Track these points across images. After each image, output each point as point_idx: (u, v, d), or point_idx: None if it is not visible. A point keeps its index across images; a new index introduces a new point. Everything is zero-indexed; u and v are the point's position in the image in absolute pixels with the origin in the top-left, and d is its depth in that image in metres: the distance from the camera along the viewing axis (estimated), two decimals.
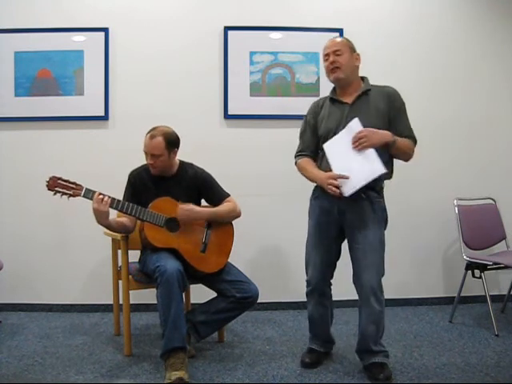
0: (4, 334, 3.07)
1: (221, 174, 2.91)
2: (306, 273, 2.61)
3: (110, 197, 2.54)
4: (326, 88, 3.58)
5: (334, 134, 2.43)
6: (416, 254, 3.74)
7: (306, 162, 2.56)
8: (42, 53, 3.53)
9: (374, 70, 3.63)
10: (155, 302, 2.47)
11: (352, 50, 2.50)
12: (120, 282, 2.87)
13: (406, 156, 2.46)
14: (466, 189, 3.65)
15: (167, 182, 2.76)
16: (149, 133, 2.70)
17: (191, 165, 2.87)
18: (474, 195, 3.58)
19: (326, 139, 2.46)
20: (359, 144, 2.30)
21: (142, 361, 2.66)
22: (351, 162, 2.32)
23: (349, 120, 2.39)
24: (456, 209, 3.41)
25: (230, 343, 2.95)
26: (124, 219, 2.72)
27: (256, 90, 3.64)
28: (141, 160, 2.81)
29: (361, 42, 3.62)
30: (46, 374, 2.48)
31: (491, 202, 3.59)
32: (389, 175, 2.48)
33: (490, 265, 3.11)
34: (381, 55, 3.70)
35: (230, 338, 3.04)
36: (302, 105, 3.58)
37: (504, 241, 3.51)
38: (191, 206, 2.67)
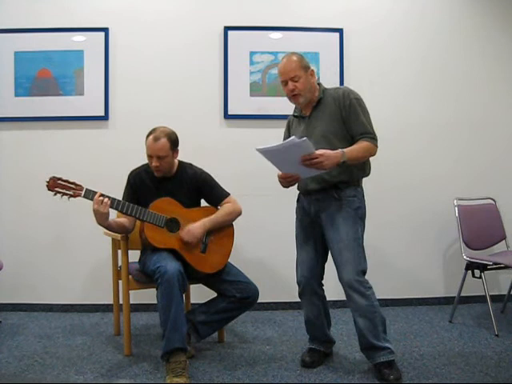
0: (4, 334, 3.07)
1: (220, 174, 2.91)
2: (296, 274, 2.66)
3: (110, 197, 2.54)
4: None
5: None
6: (416, 254, 3.73)
7: None
8: (42, 53, 3.53)
9: (374, 70, 3.67)
10: (155, 301, 2.48)
11: (306, 68, 2.50)
12: (120, 281, 2.87)
13: (366, 158, 2.47)
14: (465, 189, 3.64)
15: (167, 183, 2.76)
16: (150, 135, 2.68)
17: (190, 165, 2.87)
18: (473, 195, 3.58)
19: None
20: (311, 164, 2.27)
21: (141, 361, 2.67)
22: (297, 167, 2.32)
23: (309, 131, 2.46)
24: (456, 209, 3.41)
25: (230, 343, 2.95)
26: (123, 219, 2.72)
27: (256, 90, 3.64)
28: (141, 160, 2.81)
29: (361, 41, 3.68)
30: (45, 374, 2.48)
31: (491, 202, 3.59)
32: (365, 173, 2.53)
33: (489, 265, 3.10)
34: (381, 55, 3.70)
35: (230, 338, 3.04)
36: None
37: (504, 241, 3.50)
38: (192, 230, 2.64)
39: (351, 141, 2.43)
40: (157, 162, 2.67)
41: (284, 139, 2.71)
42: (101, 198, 2.50)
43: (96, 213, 2.52)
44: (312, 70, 2.54)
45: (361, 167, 2.50)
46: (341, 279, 2.44)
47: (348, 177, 2.46)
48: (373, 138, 2.43)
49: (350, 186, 2.48)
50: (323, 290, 2.66)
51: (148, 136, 2.69)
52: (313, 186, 2.50)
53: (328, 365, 2.62)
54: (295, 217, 2.70)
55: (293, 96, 2.52)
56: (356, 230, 2.47)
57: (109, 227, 2.65)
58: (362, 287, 2.41)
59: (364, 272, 2.45)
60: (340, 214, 2.45)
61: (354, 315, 2.46)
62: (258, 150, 2.28)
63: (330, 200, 2.47)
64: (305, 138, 2.21)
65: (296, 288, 2.66)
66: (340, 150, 2.32)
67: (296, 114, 2.65)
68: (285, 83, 2.51)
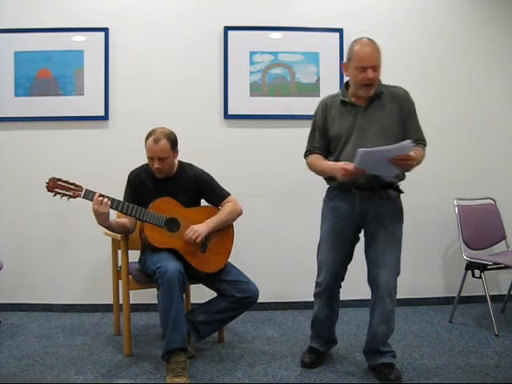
0: (4, 334, 3.07)
1: (221, 174, 2.91)
2: (317, 275, 2.56)
3: (109, 198, 2.54)
4: (326, 88, 3.61)
5: (347, 136, 2.39)
6: (416, 253, 3.73)
7: (317, 158, 2.50)
8: (42, 53, 3.53)
9: None
10: (155, 301, 2.48)
11: (381, 60, 2.42)
12: (120, 281, 2.87)
13: (419, 165, 2.43)
14: (465, 189, 3.64)
15: (167, 183, 2.76)
16: (149, 137, 2.68)
17: (190, 165, 2.87)
18: (473, 195, 3.58)
19: (337, 141, 2.42)
20: (404, 164, 2.24)
21: (142, 361, 2.67)
22: (376, 166, 2.27)
23: (363, 123, 2.37)
24: (456, 209, 3.41)
25: (230, 343, 2.95)
26: (124, 220, 2.72)
27: (256, 89, 3.64)
28: (141, 160, 2.81)
29: None
30: (45, 374, 2.48)
31: (491, 202, 3.59)
32: (404, 176, 2.51)
33: (489, 265, 3.11)
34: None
35: (230, 338, 3.04)
36: (301, 105, 3.62)
37: (504, 241, 3.50)
38: (196, 228, 2.63)
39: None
40: (158, 163, 2.67)
41: (317, 124, 2.52)
42: (100, 198, 2.50)
43: (96, 213, 2.52)
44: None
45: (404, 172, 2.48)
46: (377, 281, 2.39)
47: (398, 177, 2.45)
48: (425, 145, 2.45)
49: (396, 186, 2.47)
50: (339, 292, 2.61)
51: (147, 138, 2.69)
52: (361, 182, 2.38)
53: (328, 365, 2.61)
54: (322, 217, 2.57)
55: (367, 86, 2.36)
56: (401, 232, 2.48)
57: (110, 227, 2.65)
58: (394, 291, 2.42)
59: (398, 275, 2.45)
60: (390, 214, 2.43)
61: (375, 320, 2.42)
62: (361, 151, 2.18)
63: (379, 199, 2.42)
64: (413, 144, 2.21)
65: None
66: (413, 152, 2.27)
67: (346, 100, 2.45)
68: (363, 69, 2.33)
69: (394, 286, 2.41)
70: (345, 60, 2.46)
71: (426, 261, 3.75)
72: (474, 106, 3.77)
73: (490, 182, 3.76)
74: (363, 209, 2.44)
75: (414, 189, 3.71)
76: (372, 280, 2.43)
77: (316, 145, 2.53)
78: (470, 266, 3.21)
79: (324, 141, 2.51)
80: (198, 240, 2.63)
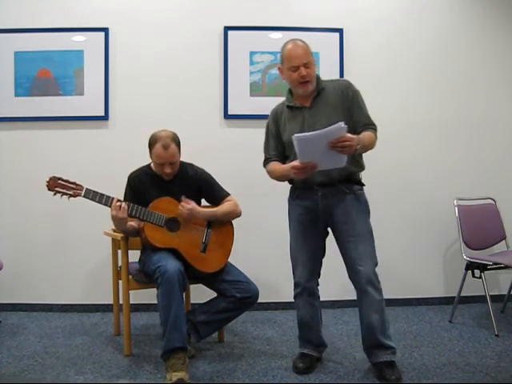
0: (4, 334, 3.07)
1: (220, 174, 2.91)
2: (294, 275, 2.61)
3: (121, 200, 2.56)
4: None
5: None
6: (416, 254, 3.73)
7: (274, 165, 2.55)
8: (42, 53, 3.53)
9: (374, 70, 3.67)
10: (155, 301, 2.48)
11: (312, 55, 2.45)
12: (120, 281, 2.87)
13: (371, 148, 2.42)
14: (465, 189, 3.64)
15: (167, 183, 2.76)
16: (156, 143, 2.65)
17: (191, 165, 2.87)
18: (473, 195, 3.58)
19: (291, 146, 2.37)
20: (340, 147, 2.20)
21: (142, 361, 2.67)
22: (321, 156, 2.25)
23: (310, 122, 2.39)
24: (456, 209, 3.41)
25: (230, 343, 2.95)
26: (132, 222, 2.72)
27: (256, 89, 3.64)
28: (141, 160, 2.81)
29: (361, 41, 3.68)
30: (46, 374, 2.48)
31: (491, 202, 3.59)
32: (362, 167, 2.50)
33: (489, 265, 3.11)
34: (381, 55, 3.70)
35: (230, 338, 3.04)
36: None
37: (504, 241, 3.50)
38: (193, 205, 2.66)
39: (354, 132, 2.37)
40: (169, 168, 2.68)
41: (270, 132, 2.59)
42: (118, 203, 2.52)
43: (115, 218, 2.55)
44: (314, 59, 2.46)
45: (361, 161, 2.49)
46: (357, 274, 2.39)
47: (356, 169, 2.46)
48: (375, 129, 2.43)
49: (357, 179, 2.48)
50: (318, 290, 2.63)
51: (153, 144, 2.67)
52: (321, 179, 2.41)
53: (328, 365, 2.61)
54: (289, 216, 2.64)
55: (303, 83, 2.40)
56: (369, 223, 2.48)
57: (126, 231, 2.68)
58: (377, 281, 2.41)
59: (377, 265, 2.44)
60: (354, 208, 2.44)
61: (365, 312, 2.41)
62: (296, 137, 2.18)
63: (340, 194, 2.43)
64: (346, 126, 2.18)
65: None
66: (355, 135, 2.26)
67: (291, 104, 2.50)
68: (295, 68, 2.38)
69: (374, 275, 2.39)
70: (279, 65, 2.49)
71: (426, 261, 3.75)
72: (474, 106, 3.77)
73: (489, 181, 3.75)
74: (326, 205, 2.45)
75: (414, 189, 3.75)
76: (351, 275, 2.44)
77: (272, 152, 2.57)
78: (470, 266, 3.20)
79: (280, 147, 2.56)
80: (185, 212, 2.61)
